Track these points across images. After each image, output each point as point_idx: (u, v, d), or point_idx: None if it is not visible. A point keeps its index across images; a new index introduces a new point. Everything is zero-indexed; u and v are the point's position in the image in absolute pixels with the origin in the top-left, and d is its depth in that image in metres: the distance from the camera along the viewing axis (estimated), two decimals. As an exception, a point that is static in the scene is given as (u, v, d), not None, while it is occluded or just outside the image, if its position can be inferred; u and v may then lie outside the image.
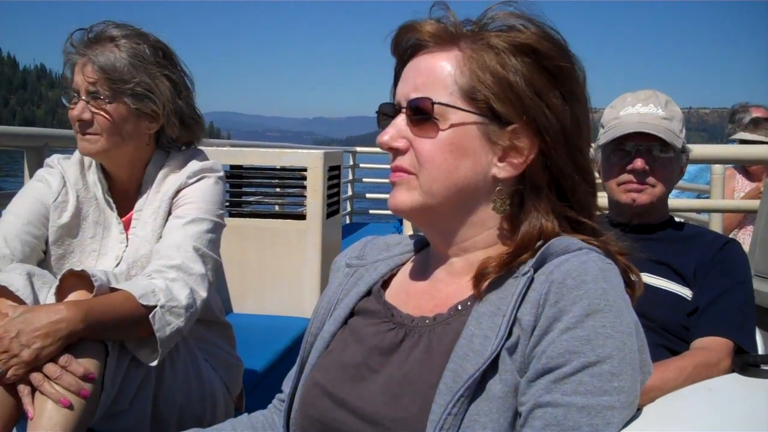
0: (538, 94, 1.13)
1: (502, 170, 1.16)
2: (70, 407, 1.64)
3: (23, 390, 1.66)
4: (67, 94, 2.07)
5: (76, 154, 2.17)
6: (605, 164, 2.15)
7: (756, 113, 5.09)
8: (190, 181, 2.12)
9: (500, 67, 1.12)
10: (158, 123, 2.11)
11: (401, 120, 1.18)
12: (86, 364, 1.69)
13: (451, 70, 1.14)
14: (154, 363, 1.84)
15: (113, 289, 1.82)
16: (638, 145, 2.07)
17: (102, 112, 2.03)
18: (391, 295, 1.29)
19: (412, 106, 1.16)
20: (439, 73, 1.15)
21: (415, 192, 1.17)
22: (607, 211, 2.29)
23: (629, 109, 2.12)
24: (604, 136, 2.12)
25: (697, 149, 3.05)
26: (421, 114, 1.15)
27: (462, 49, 1.15)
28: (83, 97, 2.03)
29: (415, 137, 1.16)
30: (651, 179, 2.09)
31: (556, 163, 1.15)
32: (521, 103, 1.12)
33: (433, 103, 1.13)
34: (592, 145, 2.37)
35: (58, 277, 1.80)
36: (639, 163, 2.07)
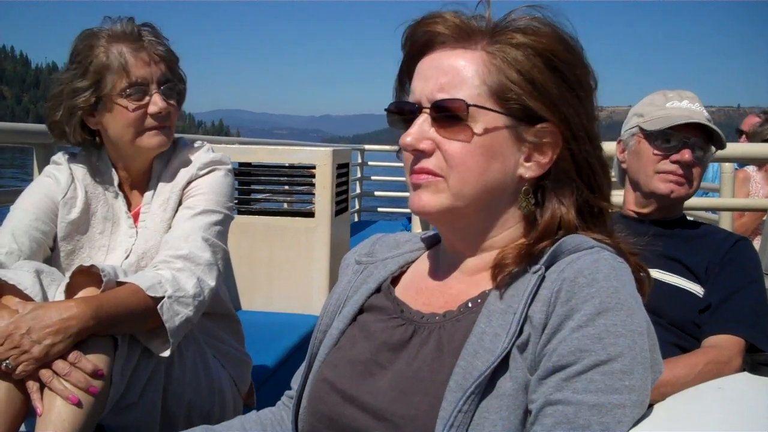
0: (562, 92, 1.13)
1: (528, 170, 1.16)
2: (79, 404, 1.64)
3: (32, 386, 1.66)
4: (132, 91, 2.01)
5: (83, 150, 2.17)
6: (645, 151, 2.15)
7: (753, 119, 5.08)
8: (201, 172, 2.13)
9: (528, 65, 1.11)
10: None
11: (424, 120, 1.15)
12: (95, 361, 1.70)
13: (477, 69, 1.12)
14: (166, 353, 1.85)
15: (120, 283, 1.82)
16: (687, 138, 2.09)
17: (173, 102, 2.09)
18: (400, 291, 1.29)
19: (441, 106, 1.13)
20: (464, 72, 1.13)
21: (443, 195, 1.14)
22: (619, 209, 2.29)
23: (676, 103, 2.14)
24: (651, 124, 2.12)
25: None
26: (450, 115, 1.12)
27: (484, 47, 1.14)
28: (156, 90, 2.04)
29: (442, 139, 1.14)
30: (693, 173, 2.11)
31: (583, 158, 1.16)
32: (550, 101, 1.12)
33: (468, 105, 1.11)
34: (609, 143, 2.39)
35: (68, 274, 1.81)
36: (687, 155, 2.08)
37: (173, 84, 2.09)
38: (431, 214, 1.17)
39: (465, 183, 1.13)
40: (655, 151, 2.11)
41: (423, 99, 1.16)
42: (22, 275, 1.79)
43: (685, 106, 2.12)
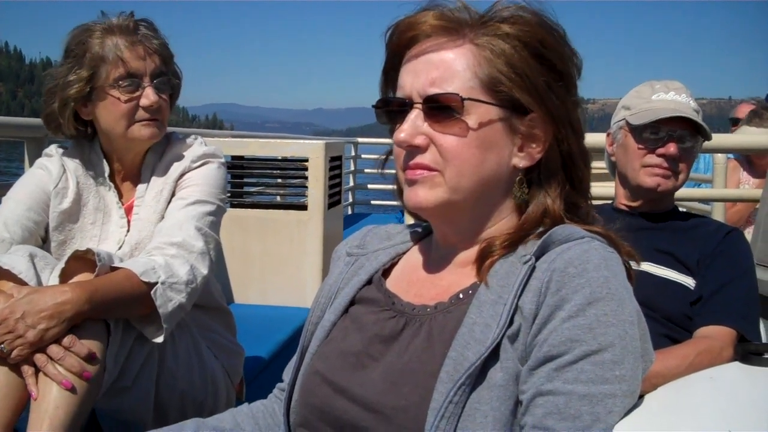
0: (548, 84, 1.13)
1: (522, 159, 1.16)
2: (72, 389, 1.66)
3: (27, 371, 1.68)
4: (125, 83, 2.02)
5: (75, 143, 2.19)
6: (631, 145, 2.15)
7: (746, 108, 5.07)
8: (194, 165, 2.16)
9: (515, 56, 1.11)
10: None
11: (416, 116, 1.14)
12: (89, 345, 1.71)
13: (468, 63, 1.12)
14: (160, 339, 1.86)
15: (114, 268, 1.83)
16: (672, 131, 2.08)
17: (165, 96, 2.11)
18: (392, 283, 1.28)
19: (434, 101, 1.12)
20: (455, 65, 1.12)
21: (440, 189, 1.14)
22: (611, 201, 2.29)
23: (662, 95, 2.13)
24: (636, 117, 2.12)
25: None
26: (444, 109, 1.12)
27: (471, 39, 1.13)
28: (149, 83, 2.05)
29: (437, 133, 1.13)
30: (679, 166, 2.11)
31: (568, 150, 1.16)
32: (537, 92, 1.12)
33: (463, 99, 1.11)
34: (599, 135, 2.38)
35: (63, 259, 1.82)
36: (672, 148, 2.08)
37: (166, 78, 2.10)
38: (428, 209, 1.17)
39: (462, 176, 1.13)
40: (640, 146, 2.11)
41: (414, 94, 1.15)
42: (17, 260, 1.80)
43: (670, 98, 2.12)
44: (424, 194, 1.15)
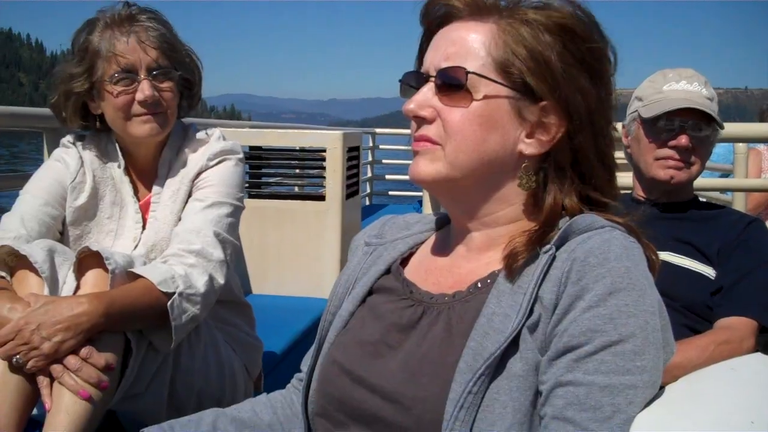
0: (569, 74, 1.11)
1: (529, 146, 1.15)
2: (89, 399, 1.65)
3: (42, 381, 1.67)
4: (119, 77, 1.97)
5: (92, 133, 2.16)
6: (643, 138, 2.13)
7: None
8: (211, 163, 2.11)
9: (535, 42, 1.10)
10: (189, 91, 2.15)
11: (429, 89, 1.16)
12: (106, 356, 1.70)
13: (484, 41, 1.12)
14: (169, 349, 1.86)
15: (131, 273, 1.82)
16: (684, 121, 2.05)
17: (167, 88, 2.03)
18: (410, 272, 1.28)
19: (443, 74, 1.13)
20: (472, 43, 1.13)
21: (439, 163, 1.14)
22: (630, 190, 2.27)
23: (674, 85, 2.10)
24: (647, 109, 2.09)
25: (726, 127, 3.01)
26: (452, 83, 1.13)
27: (496, 21, 1.13)
28: (145, 76, 1.98)
29: (444, 107, 1.14)
30: (693, 157, 2.08)
31: (579, 145, 1.14)
32: (554, 81, 1.11)
33: (467, 73, 1.11)
34: (617, 124, 2.36)
35: (73, 257, 1.81)
36: (684, 140, 2.05)
37: (166, 71, 2.03)
38: (426, 182, 1.17)
39: (461, 152, 1.13)
40: (651, 138, 2.09)
41: (431, 68, 1.16)
42: (36, 249, 1.79)
43: (681, 88, 2.08)
44: (423, 166, 1.16)
